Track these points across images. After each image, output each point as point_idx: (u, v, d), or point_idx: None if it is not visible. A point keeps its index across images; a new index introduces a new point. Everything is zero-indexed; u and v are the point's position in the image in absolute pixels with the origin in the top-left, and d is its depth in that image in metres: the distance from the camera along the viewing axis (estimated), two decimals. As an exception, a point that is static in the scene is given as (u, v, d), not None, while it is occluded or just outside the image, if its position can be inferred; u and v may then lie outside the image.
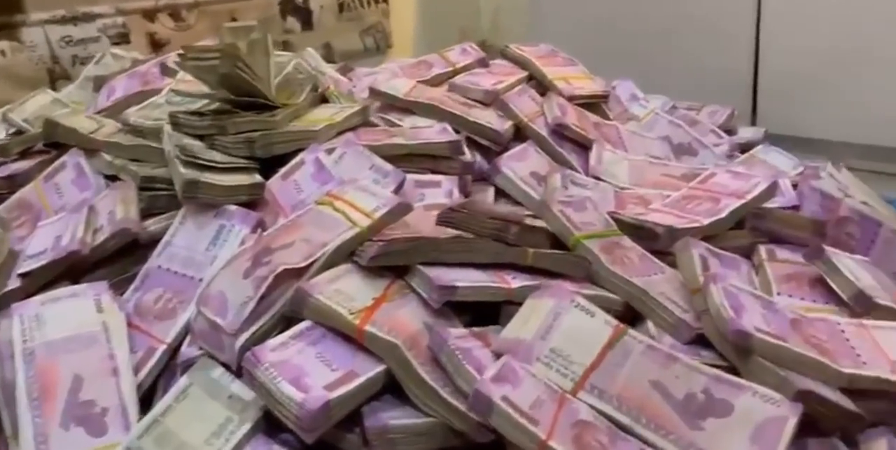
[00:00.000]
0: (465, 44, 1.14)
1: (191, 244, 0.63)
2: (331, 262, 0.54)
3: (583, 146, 0.91)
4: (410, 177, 0.74)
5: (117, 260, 0.64)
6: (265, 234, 0.59)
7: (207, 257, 0.62)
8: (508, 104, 0.91)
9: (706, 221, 0.68)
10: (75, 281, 0.63)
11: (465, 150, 0.79)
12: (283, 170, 0.69)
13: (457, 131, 0.88)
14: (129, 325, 0.58)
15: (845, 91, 1.36)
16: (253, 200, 0.66)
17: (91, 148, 0.77)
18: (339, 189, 0.61)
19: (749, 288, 0.54)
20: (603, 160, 0.88)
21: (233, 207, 0.64)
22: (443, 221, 0.57)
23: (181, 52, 0.76)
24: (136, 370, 0.55)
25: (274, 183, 0.68)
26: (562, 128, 0.89)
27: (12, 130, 1.11)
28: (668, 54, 1.61)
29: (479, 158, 0.88)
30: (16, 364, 0.53)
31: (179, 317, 0.59)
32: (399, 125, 0.90)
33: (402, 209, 0.58)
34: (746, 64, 1.45)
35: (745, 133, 1.25)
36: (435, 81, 1.06)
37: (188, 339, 0.56)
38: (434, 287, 0.50)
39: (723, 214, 0.70)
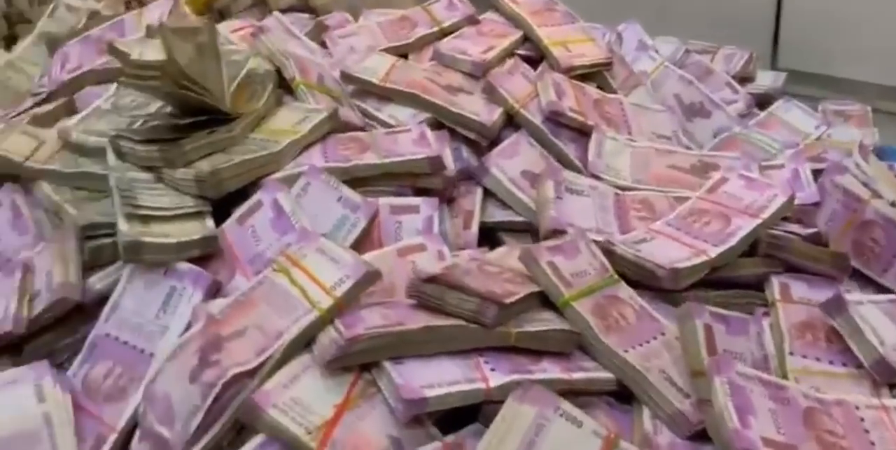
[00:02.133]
0: (454, -12, 1.00)
1: (140, 309, 0.56)
2: (287, 353, 0.48)
3: (581, 131, 0.81)
4: (384, 202, 0.65)
5: (58, 324, 0.58)
6: (216, 311, 0.51)
7: (158, 327, 0.54)
8: (498, 88, 0.79)
9: (714, 253, 0.59)
10: (16, 348, 0.57)
11: (447, 161, 0.69)
12: (239, 212, 0.60)
13: (440, 125, 0.79)
14: (77, 407, 0.53)
15: (874, 29, 1.20)
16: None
17: (28, 177, 0.69)
18: (298, 250, 0.53)
19: (757, 374, 0.47)
20: (603, 152, 0.77)
21: (184, 266, 0.56)
22: (413, 295, 0.49)
23: (120, 65, 0.65)
24: None
25: (230, 228, 0.59)
26: (557, 115, 0.79)
27: None
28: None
29: (465, 153, 0.78)
30: None
31: (130, 398, 0.52)
32: (376, 116, 0.80)
33: (368, 280, 0.50)
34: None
35: (765, 79, 1.12)
36: (418, 44, 0.93)
37: (138, 432, 0.51)
38: (401, 400, 0.43)
39: (733, 241, 0.61)
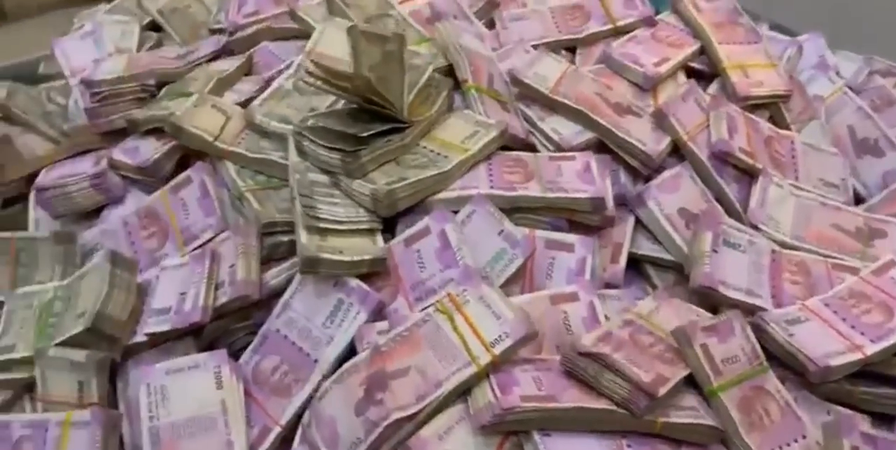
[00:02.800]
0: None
1: (308, 314, 0.60)
2: (443, 403, 0.51)
3: (746, 171, 0.78)
4: (541, 235, 0.65)
5: (236, 311, 0.64)
6: (381, 342, 0.55)
7: (324, 335, 0.59)
8: (669, 117, 0.76)
9: (870, 351, 0.58)
10: (196, 332, 0.64)
11: (609, 200, 0.69)
12: (407, 233, 0.62)
13: (603, 147, 0.77)
14: (246, 394, 0.59)
15: None
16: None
17: (216, 155, 0.74)
18: (462, 294, 0.55)
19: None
20: (766, 200, 0.74)
21: (353, 283, 0.59)
22: (567, 366, 0.51)
23: (308, 66, 0.67)
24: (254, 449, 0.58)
25: (397, 249, 0.62)
26: (726, 155, 0.76)
27: (146, 20, 1.07)
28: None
29: (623, 177, 0.77)
30: (143, 441, 0.56)
31: (294, 397, 0.58)
32: (540, 127, 0.78)
33: (527, 340, 0.52)
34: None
35: (959, 113, 1.03)
36: (589, 40, 0.90)
37: (299, 436, 0.56)
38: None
39: (894, 339, 0.59)
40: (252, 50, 0.91)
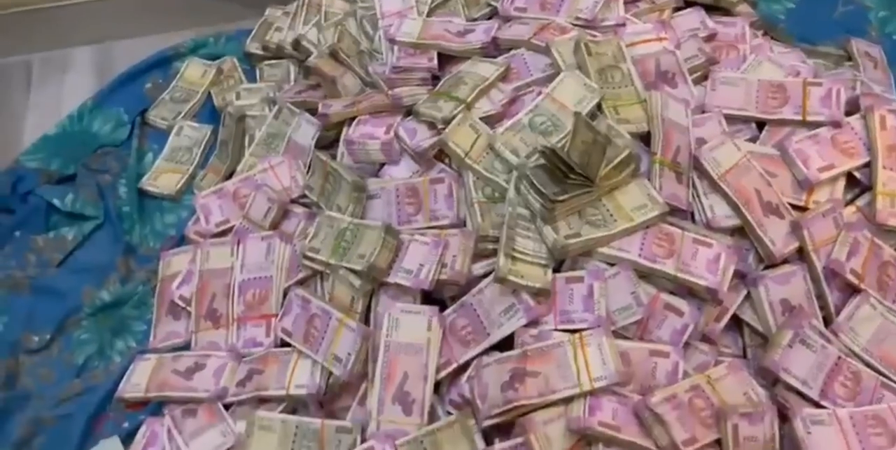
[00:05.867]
0: (837, 85, 0.92)
1: (492, 303, 0.79)
2: (554, 403, 0.71)
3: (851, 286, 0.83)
4: (664, 298, 0.78)
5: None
6: (529, 346, 0.75)
7: (498, 321, 0.79)
8: (804, 230, 0.82)
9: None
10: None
11: (722, 294, 0.78)
12: (569, 274, 0.78)
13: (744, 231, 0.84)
14: (443, 336, 0.81)
15: None
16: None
17: (463, 167, 0.90)
18: (587, 337, 0.73)
19: None
20: (855, 316, 0.80)
21: (524, 296, 0.77)
22: (637, 409, 0.68)
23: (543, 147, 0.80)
24: (438, 372, 0.80)
25: (559, 282, 0.78)
26: (834, 274, 0.81)
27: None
28: None
29: (750, 258, 0.84)
30: (379, 351, 0.81)
31: (470, 350, 0.79)
32: (701, 201, 0.85)
33: (617, 384, 0.70)
34: None
35: None
36: (778, 123, 0.92)
37: (466, 377, 0.79)
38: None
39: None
40: (511, 54, 1.01)
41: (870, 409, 0.73)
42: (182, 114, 1.24)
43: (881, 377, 0.77)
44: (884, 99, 0.97)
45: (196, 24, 1.37)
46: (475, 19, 1.11)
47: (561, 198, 0.79)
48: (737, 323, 0.84)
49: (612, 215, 0.81)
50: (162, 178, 1.16)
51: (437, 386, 0.81)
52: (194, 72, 1.29)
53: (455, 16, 1.11)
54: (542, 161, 0.82)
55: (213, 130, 1.20)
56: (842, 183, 0.88)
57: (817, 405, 0.75)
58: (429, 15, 1.13)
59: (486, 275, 0.82)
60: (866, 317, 0.80)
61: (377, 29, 1.12)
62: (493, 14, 1.11)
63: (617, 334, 0.77)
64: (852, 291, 0.82)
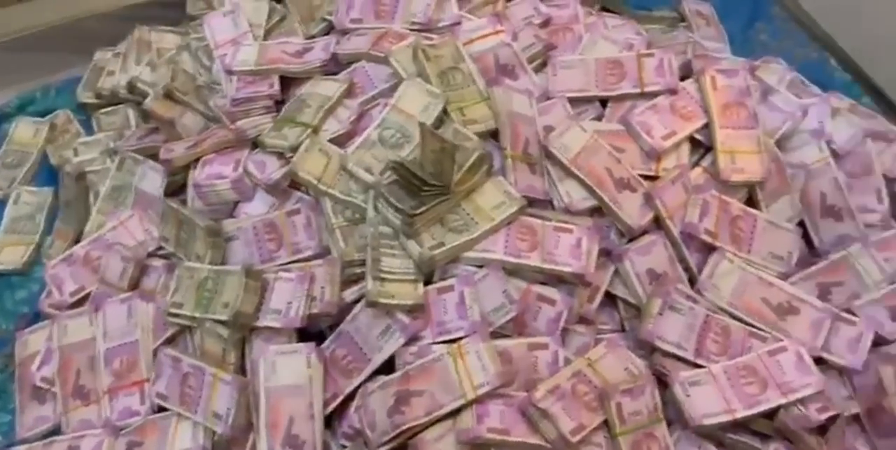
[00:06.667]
0: (667, 54, 0.96)
1: (369, 327, 0.77)
2: (442, 418, 0.69)
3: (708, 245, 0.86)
4: (535, 290, 0.79)
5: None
6: (410, 366, 0.73)
7: (377, 344, 0.76)
8: (655, 199, 0.84)
9: (739, 416, 0.72)
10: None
11: (588, 276, 0.79)
12: (440, 285, 0.77)
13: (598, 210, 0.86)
14: (325, 370, 0.78)
15: None
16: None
17: (318, 194, 0.87)
18: (465, 346, 0.71)
19: None
20: (716, 273, 0.83)
21: (399, 315, 0.75)
22: (522, 408, 0.68)
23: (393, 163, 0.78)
24: (325, 406, 0.77)
25: (431, 294, 0.76)
26: (690, 237, 0.84)
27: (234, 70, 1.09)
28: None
29: (612, 235, 0.87)
30: (260, 399, 0.76)
31: (354, 379, 0.76)
32: (557, 188, 0.86)
33: (500, 387, 0.69)
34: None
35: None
36: (619, 98, 0.95)
37: (354, 406, 0.76)
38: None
39: (757, 410, 0.73)
40: (352, 68, 0.98)
41: (741, 360, 0.76)
42: (17, 179, 1.14)
43: (747, 327, 0.80)
44: (713, 59, 1.02)
45: (18, 80, 1.27)
46: (314, 36, 1.08)
47: (419, 211, 0.77)
48: (611, 299, 0.85)
49: (472, 218, 0.80)
50: (5, 252, 1.06)
51: (329, 420, 0.78)
52: (24, 132, 1.19)
53: (293, 35, 1.08)
54: (394, 177, 0.80)
55: (54, 192, 1.11)
56: (686, 147, 0.91)
57: (696, 365, 0.77)
58: (265, 37, 1.09)
59: (358, 300, 0.80)
60: (726, 272, 0.83)
61: (213, 60, 1.08)
62: (330, 28, 1.08)
63: (496, 335, 0.76)
64: (710, 249, 0.85)
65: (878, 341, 0.83)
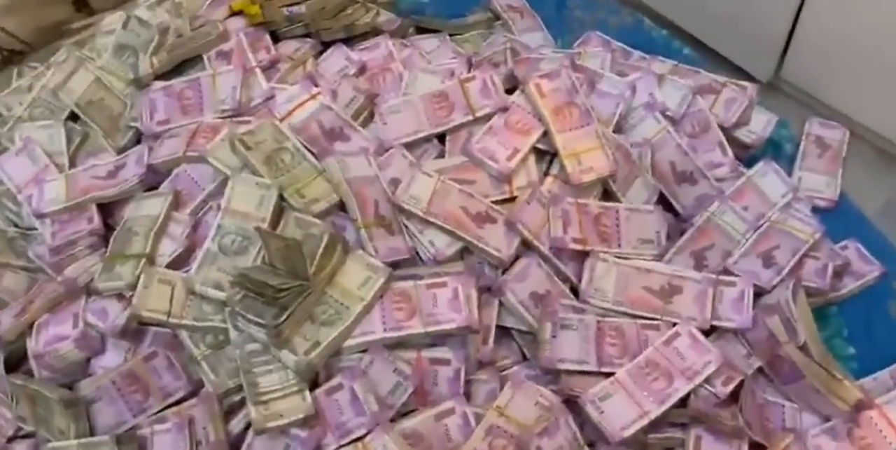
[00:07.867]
0: (487, 73, 0.93)
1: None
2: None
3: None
4: (425, 355, 0.76)
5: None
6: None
7: None
8: (516, 224, 0.82)
9: (654, 414, 0.73)
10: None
11: (475, 326, 0.77)
12: (327, 386, 0.72)
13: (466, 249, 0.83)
14: None
15: (885, 70, 1.02)
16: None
17: (172, 328, 0.79)
18: (371, 441, 0.69)
19: None
20: (594, 277, 0.83)
21: (294, 432, 0.71)
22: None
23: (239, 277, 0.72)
24: None
25: (322, 397, 0.72)
26: (560, 250, 0.83)
27: (66, 112, 1.03)
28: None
29: (487, 270, 0.85)
30: None
31: None
32: (419, 240, 0.82)
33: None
34: (786, 13, 1.10)
35: (757, 125, 1.07)
36: (455, 130, 0.92)
37: None
38: None
39: (670, 403, 0.74)
40: (173, 175, 0.91)
41: (641, 358, 0.77)
42: None
43: (638, 321, 0.81)
44: (533, 63, 0.99)
45: None
46: (125, 147, 0.99)
47: (281, 320, 0.72)
48: (505, 330, 0.83)
49: (342, 304, 0.76)
50: None
51: None
52: None
53: (101, 152, 0.99)
54: (244, 291, 0.75)
55: None
56: (532, 160, 0.89)
57: (604, 374, 0.77)
58: (72, 164, 0.99)
59: (248, 428, 0.74)
60: (604, 272, 0.83)
61: (20, 204, 0.96)
62: (140, 135, 0.99)
63: (400, 414, 0.74)
64: (584, 255, 0.85)
65: (759, 292, 0.86)
